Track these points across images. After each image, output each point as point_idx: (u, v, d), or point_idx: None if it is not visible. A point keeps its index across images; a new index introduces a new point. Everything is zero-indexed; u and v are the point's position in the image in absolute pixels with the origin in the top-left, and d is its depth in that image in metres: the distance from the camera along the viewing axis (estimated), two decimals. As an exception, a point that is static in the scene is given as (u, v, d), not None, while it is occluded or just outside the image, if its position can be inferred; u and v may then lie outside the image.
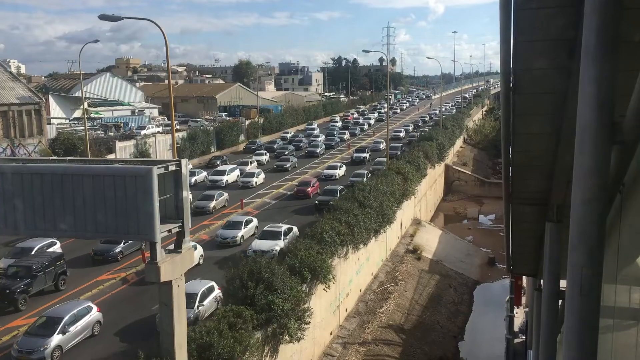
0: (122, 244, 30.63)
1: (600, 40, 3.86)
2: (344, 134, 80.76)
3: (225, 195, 42.44)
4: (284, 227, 32.46)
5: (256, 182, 48.61)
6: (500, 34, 5.96)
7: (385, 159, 53.58)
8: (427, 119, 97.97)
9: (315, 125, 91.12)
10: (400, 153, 57.55)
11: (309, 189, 44.45)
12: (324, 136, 77.88)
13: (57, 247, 30.26)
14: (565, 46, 5.66)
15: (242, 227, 33.90)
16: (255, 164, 57.19)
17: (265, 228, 32.88)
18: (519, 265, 18.78)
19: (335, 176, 51.18)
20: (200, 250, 30.34)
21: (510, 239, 15.21)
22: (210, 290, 24.49)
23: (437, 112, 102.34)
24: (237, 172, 51.20)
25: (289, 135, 79.49)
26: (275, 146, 68.84)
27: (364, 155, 61.71)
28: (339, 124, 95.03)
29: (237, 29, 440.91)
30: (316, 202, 40.90)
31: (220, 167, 52.49)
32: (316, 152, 66.59)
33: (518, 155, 9.10)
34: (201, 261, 29.96)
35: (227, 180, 48.99)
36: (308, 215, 37.95)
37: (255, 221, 35.36)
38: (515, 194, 11.25)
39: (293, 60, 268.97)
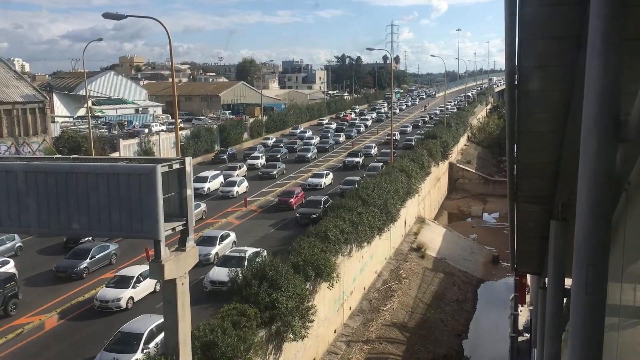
0: (87, 260, 27.64)
1: (606, 37, 3.84)
2: (339, 136, 76.44)
3: (203, 206, 38.09)
4: (249, 251, 28.13)
5: (237, 192, 43.87)
6: (505, 32, 5.94)
7: (380, 164, 51.01)
8: (427, 119, 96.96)
9: (302, 128, 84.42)
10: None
11: (292, 200, 40.50)
12: (318, 138, 73.39)
13: (10, 267, 26.92)
14: (571, 43, 5.63)
15: (217, 243, 30.29)
16: (244, 169, 53.11)
17: (226, 253, 28.95)
18: (523, 263, 18.77)
19: (321, 185, 46.78)
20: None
21: (514, 237, 15.19)
22: (161, 328, 19.26)
23: (437, 111, 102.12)
24: (220, 178, 46.58)
25: (270, 142, 70.80)
26: (256, 153, 60.05)
27: (357, 159, 56.69)
28: (333, 125, 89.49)
29: (241, 27, 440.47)
30: (297, 214, 37.15)
31: (203, 174, 46.86)
32: (307, 156, 60.47)
33: (523, 154, 9.06)
34: (157, 287, 24.99)
35: (209, 188, 44.58)
36: (289, 230, 35.01)
37: (232, 236, 31.92)
38: (520, 192, 11.21)
39: (296, 58, 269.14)
